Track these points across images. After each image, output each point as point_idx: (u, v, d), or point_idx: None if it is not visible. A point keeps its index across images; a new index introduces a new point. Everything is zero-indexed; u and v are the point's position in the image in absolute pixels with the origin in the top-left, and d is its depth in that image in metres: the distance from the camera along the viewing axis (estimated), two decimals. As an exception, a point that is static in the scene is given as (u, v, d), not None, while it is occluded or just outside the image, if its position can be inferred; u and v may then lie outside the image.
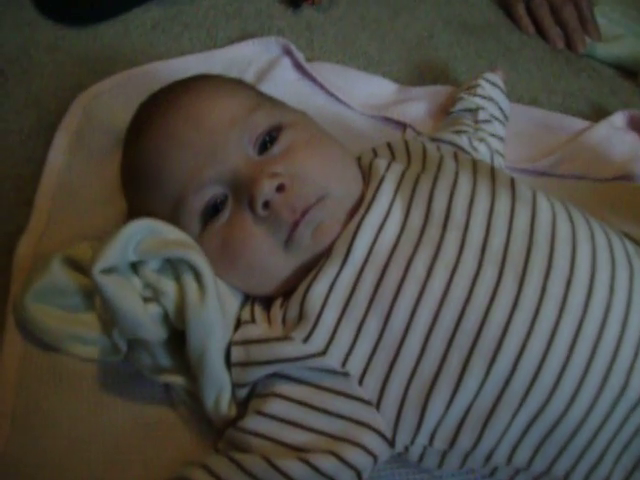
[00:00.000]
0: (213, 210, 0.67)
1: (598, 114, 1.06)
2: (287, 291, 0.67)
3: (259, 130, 0.68)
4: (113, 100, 0.96)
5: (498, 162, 0.88)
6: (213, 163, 0.66)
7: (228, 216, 0.67)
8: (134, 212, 0.74)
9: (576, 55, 1.16)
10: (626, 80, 1.14)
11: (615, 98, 1.11)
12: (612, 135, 1.01)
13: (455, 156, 0.74)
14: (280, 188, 0.64)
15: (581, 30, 1.16)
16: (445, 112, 0.98)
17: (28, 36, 1.06)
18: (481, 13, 1.21)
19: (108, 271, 0.62)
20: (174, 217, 0.68)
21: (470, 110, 0.92)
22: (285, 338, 0.62)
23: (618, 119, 1.03)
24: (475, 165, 0.72)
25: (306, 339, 0.62)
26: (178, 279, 0.64)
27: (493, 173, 0.70)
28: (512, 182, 0.68)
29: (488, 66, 1.10)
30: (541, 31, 1.18)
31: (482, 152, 0.85)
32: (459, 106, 0.94)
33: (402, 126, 1.00)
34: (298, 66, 1.04)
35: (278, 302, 0.67)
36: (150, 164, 0.69)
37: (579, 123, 1.03)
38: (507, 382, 0.59)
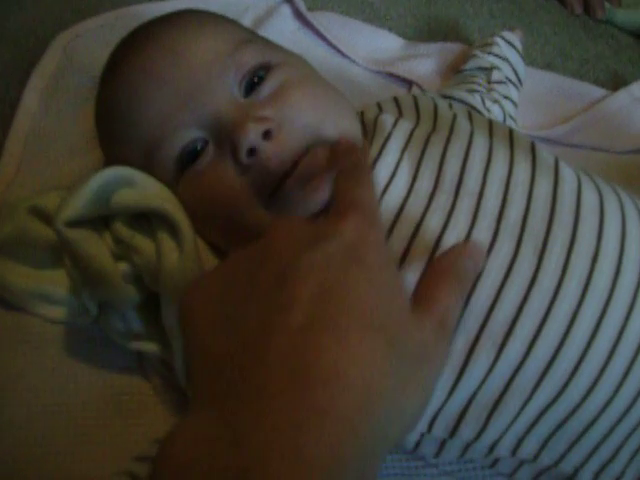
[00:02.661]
0: (191, 156, 0.60)
1: (615, 83, 1.01)
2: None
3: (246, 68, 0.61)
4: (97, 41, 0.90)
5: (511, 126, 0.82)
6: (193, 104, 0.59)
7: (207, 163, 0.60)
8: (109, 159, 0.68)
9: (594, 21, 1.09)
10: (645, 49, 1.08)
11: (634, 67, 1.05)
12: (631, 105, 0.96)
13: (469, 116, 0.68)
14: (267, 134, 0.57)
15: None
16: (455, 71, 0.92)
17: (8, -31, 0.98)
18: (496, -30, 1.14)
19: (76, 224, 0.55)
20: (148, 164, 0.61)
21: (483, 69, 0.86)
22: None
23: (637, 89, 0.97)
24: (491, 127, 0.65)
25: None
26: (154, 236, 0.57)
27: (512, 136, 0.63)
28: (532, 147, 0.62)
29: (501, 26, 1.04)
30: (559, -6, 1.11)
31: (495, 114, 0.79)
32: (472, 64, 0.88)
33: (408, 83, 0.94)
34: (298, 15, 0.98)
35: None
36: (123, 103, 0.62)
37: (596, 91, 0.98)
38: (517, 370, 0.53)
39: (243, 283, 0.42)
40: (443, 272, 0.47)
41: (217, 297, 0.43)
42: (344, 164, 0.52)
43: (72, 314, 0.66)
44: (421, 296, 0.45)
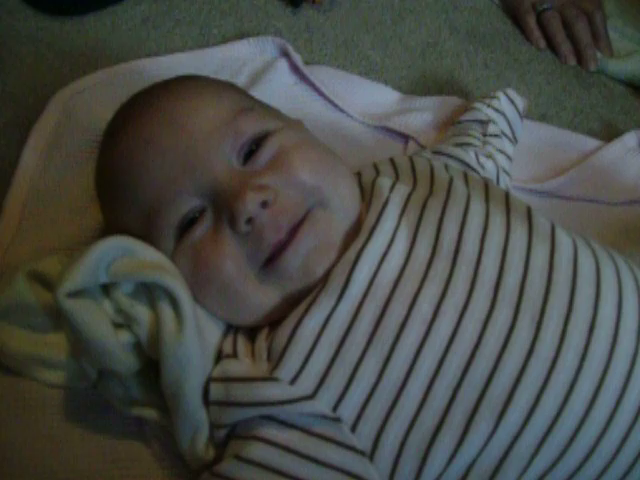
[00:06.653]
0: (190, 225, 0.60)
1: (609, 132, 1.02)
2: (273, 321, 0.61)
3: (244, 137, 0.62)
4: (96, 98, 0.90)
5: (504, 181, 0.83)
6: (192, 172, 0.60)
7: (204, 232, 0.60)
8: (109, 224, 0.68)
9: (587, 70, 1.11)
10: (638, 97, 1.09)
11: (626, 116, 1.06)
12: (625, 156, 0.97)
13: (465, 177, 0.68)
14: (265, 204, 0.58)
15: (593, 46, 1.11)
16: (451, 124, 0.92)
17: (7, 25, 0.99)
18: (489, 22, 1.15)
19: (76, 293, 0.55)
20: (147, 231, 0.61)
21: (480, 121, 0.86)
22: (270, 378, 0.56)
23: (631, 139, 0.99)
24: (488, 190, 0.65)
25: (293, 380, 0.55)
26: (153, 306, 0.57)
27: (508, 201, 0.64)
28: (529, 212, 0.62)
29: (495, 77, 1.06)
30: (552, 45, 1.12)
31: (489, 169, 0.79)
32: (469, 116, 0.88)
33: (404, 138, 0.94)
34: (295, 69, 0.98)
35: (264, 333, 0.60)
36: (123, 171, 0.62)
37: (590, 142, 0.98)
38: (516, 438, 0.53)
39: None
40: None
41: None
42: None
43: (71, 379, 0.65)
44: None
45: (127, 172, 0.62)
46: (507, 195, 0.65)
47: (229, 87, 0.70)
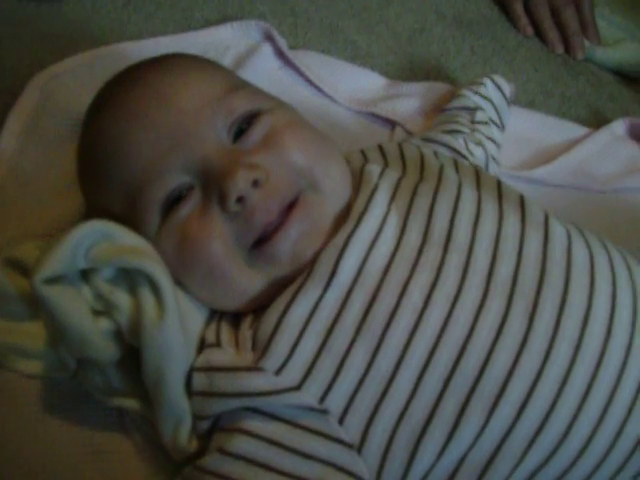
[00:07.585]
0: (176, 202, 0.58)
1: (597, 120, 1.01)
2: (258, 307, 0.59)
3: (235, 115, 0.60)
4: (75, 82, 0.88)
5: (493, 168, 0.82)
6: (181, 148, 0.58)
7: (191, 210, 0.58)
8: (90, 206, 0.66)
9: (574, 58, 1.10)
10: (625, 86, 1.09)
11: (614, 104, 1.05)
12: (612, 144, 0.96)
13: (455, 164, 0.67)
14: (256, 183, 0.56)
15: (581, 34, 1.10)
16: (438, 110, 0.91)
17: (-16, 7, 0.97)
18: (477, 8, 1.14)
19: (53, 279, 0.53)
20: (132, 211, 0.59)
21: (468, 108, 0.85)
22: (254, 368, 0.54)
23: (619, 127, 0.98)
24: (479, 177, 0.64)
25: (279, 370, 0.54)
26: (134, 292, 0.55)
27: (499, 188, 0.62)
28: (522, 201, 0.61)
29: (482, 63, 1.05)
30: (540, 33, 1.12)
31: (478, 156, 0.78)
32: (456, 103, 0.87)
33: (391, 124, 0.92)
34: (280, 53, 0.97)
35: (248, 320, 0.59)
36: (108, 144, 0.60)
37: (578, 130, 0.98)
38: (508, 432, 0.52)
39: None
40: None
41: None
42: None
43: (49, 369, 0.63)
44: None
45: (112, 147, 0.60)
46: (499, 183, 0.63)
47: (218, 65, 0.68)
